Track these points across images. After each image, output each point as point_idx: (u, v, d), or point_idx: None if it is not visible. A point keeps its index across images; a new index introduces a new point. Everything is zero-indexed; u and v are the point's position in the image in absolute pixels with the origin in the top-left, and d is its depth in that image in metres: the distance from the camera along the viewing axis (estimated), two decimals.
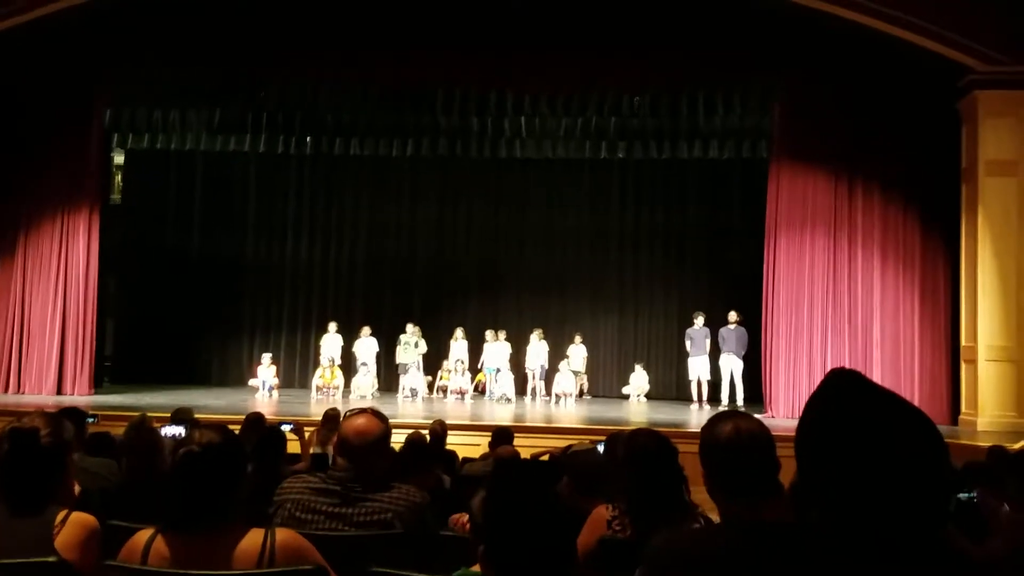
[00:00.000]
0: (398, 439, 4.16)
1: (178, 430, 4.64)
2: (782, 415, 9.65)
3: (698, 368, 11.21)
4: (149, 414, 3.96)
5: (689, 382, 11.40)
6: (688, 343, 11.37)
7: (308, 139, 10.54)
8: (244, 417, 5.43)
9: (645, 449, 2.26)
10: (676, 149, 10.38)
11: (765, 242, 10.14)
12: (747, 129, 10.08)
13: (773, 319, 9.96)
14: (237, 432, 4.96)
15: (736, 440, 1.70)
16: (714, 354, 11.18)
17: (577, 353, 12.40)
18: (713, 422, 1.76)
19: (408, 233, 13.72)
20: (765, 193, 10.18)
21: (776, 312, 9.95)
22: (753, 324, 10.60)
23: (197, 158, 12.73)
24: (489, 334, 12.23)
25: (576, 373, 12.05)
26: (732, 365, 10.89)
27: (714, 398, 11.16)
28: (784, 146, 9.88)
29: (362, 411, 2.29)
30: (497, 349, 12.12)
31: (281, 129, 10.45)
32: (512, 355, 12.24)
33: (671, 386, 12.97)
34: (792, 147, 9.84)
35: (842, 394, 0.98)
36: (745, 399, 10.77)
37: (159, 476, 2.65)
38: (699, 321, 11.34)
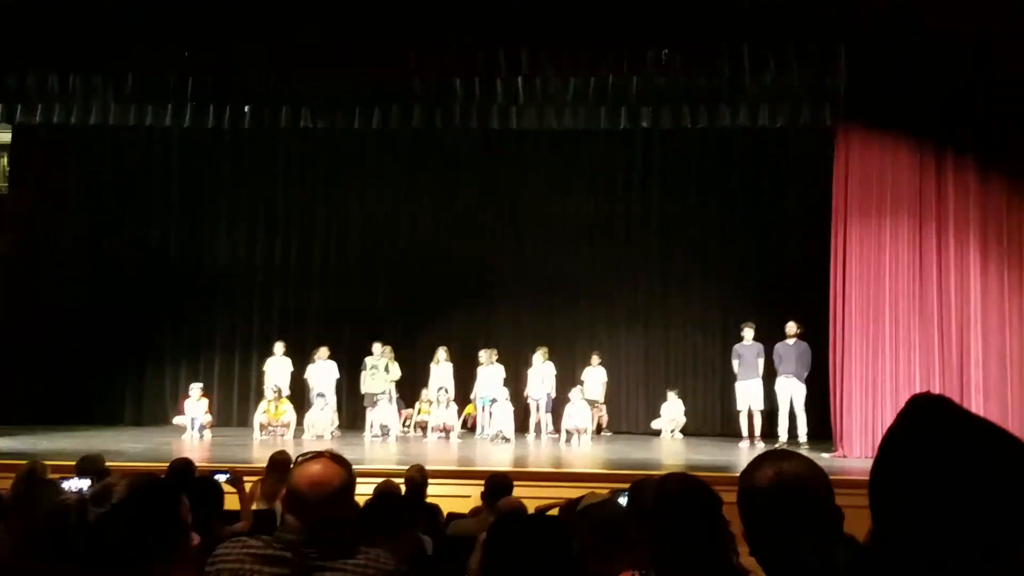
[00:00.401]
0: (365, 490, 4.17)
1: (84, 484, 4.64)
2: (857, 454, 9.67)
3: (748, 394, 11.23)
4: (44, 463, 3.97)
5: (737, 413, 11.43)
6: (736, 363, 11.40)
7: (247, 109, 10.55)
8: (168, 465, 5.44)
9: (680, 499, 2.25)
10: (716, 116, 10.38)
11: (832, 233, 10.17)
12: (806, 89, 10.10)
13: (844, 331, 9.99)
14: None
15: (779, 487, 1.71)
16: (769, 376, 11.21)
17: (593, 378, 12.43)
18: (752, 466, 1.78)
19: (374, 227, 13.78)
20: (830, 171, 10.22)
21: (848, 322, 9.98)
22: (818, 338, 10.64)
23: (103, 135, 12.73)
24: (482, 355, 12.25)
25: (592, 403, 12.08)
26: (792, 390, 10.92)
27: (770, 433, 11.19)
28: (855, 110, 9.92)
29: (318, 455, 2.29)
30: (491, 374, 12.13)
31: (212, 97, 10.46)
32: (510, 381, 12.26)
33: (714, 418, 13.02)
34: (865, 111, 9.89)
35: (927, 424, 0.98)
36: (809, 434, 10.81)
37: (59, 545, 2.64)
38: (749, 334, 11.36)
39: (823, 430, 10.50)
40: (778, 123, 10.26)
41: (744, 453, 10.53)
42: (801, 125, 10.36)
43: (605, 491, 4.50)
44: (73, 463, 5.66)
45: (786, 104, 10.15)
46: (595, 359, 12.55)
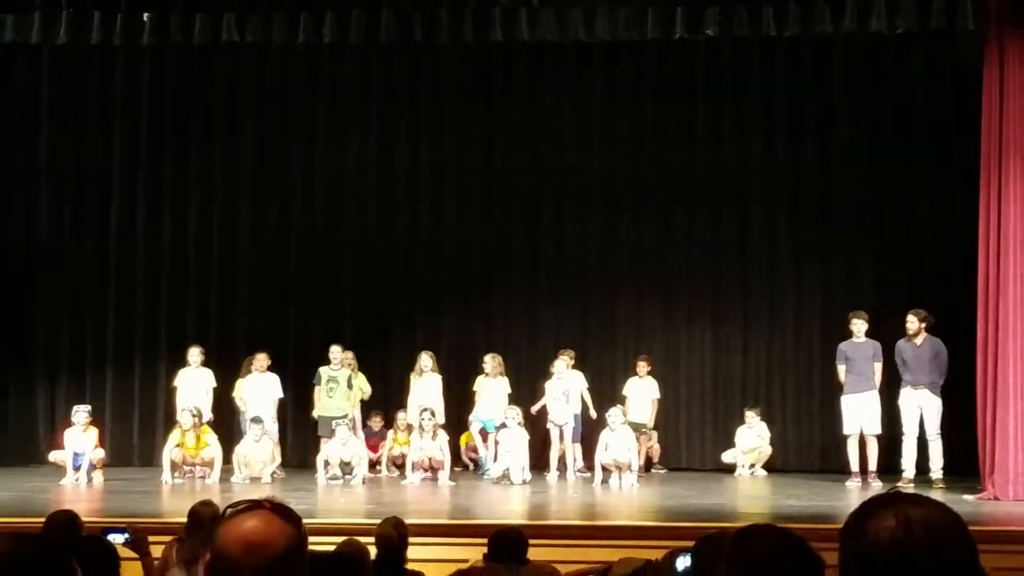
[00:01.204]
0: (318, 554, 4.19)
1: None
2: (1012, 496, 9.67)
3: (860, 413, 11.22)
4: None
5: (845, 439, 11.42)
6: (842, 368, 11.39)
7: (146, 17, 10.54)
8: (44, 520, 5.45)
9: (765, 562, 2.26)
10: (810, 18, 10.35)
11: (980, 185, 10.13)
12: None
13: (999, 325, 9.95)
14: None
15: (905, 543, 1.71)
16: (889, 387, 11.22)
17: (641, 393, 12.46)
18: (862, 515, 1.78)
19: (328, 186, 13.80)
20: (974, 96, 10.16)
21: (1005, 312, 9.93)
22: (959, 334, 10.63)
23: None
24: (488, 362, 12.25)
25: (638, 428, 12.10)
26: (923, 405, 10.93)
27: (889, 467, 11.18)
28: (1010, 10, 9.87)
29: (254, 506, 2.29)
30: (496, 388, 12.15)
31: (97, 2, 10.45)
32: (523, 398, 12.29)
33: (811, 448, 13.03)
34: None
35: None
36: (946, 468, 10.81)
37: None
38: (860, 328, 11.34)
39: (965, 463, 10.50)
40: (898, 29, 10.22)
41: (854, 495, 10.51)
42: (932, 32, 10.32)
43: (656, 554, 4.51)
44: None
45: (910, 3, 10.11)
46: (642, 367, 12.56)
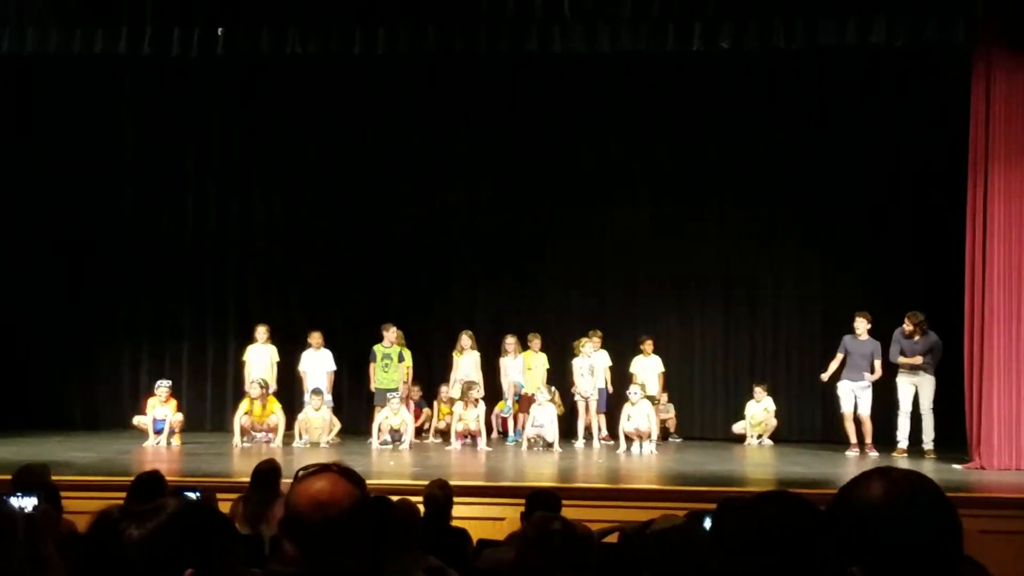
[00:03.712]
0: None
1: (28, 503, 4.77)
2: (997, 465, 9.71)
3: (855, 397, 11.30)
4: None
5: (842, 415, 11.45)
6: (839, 357, 11.44)
7: (219, 32, 10.61)
8: (133, 478, 5.56)
9: (779, 525, 2.20)
10: (815, 32, 10.29)
11: (969, 186, 10.12)
12: None
13: (984, 310, 9.98)
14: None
15: (894, 500, 1.74)
16: (886, 370, 11.24)
17: (648, 370, 12.54)
18: (852, 484, 1.80)
19: (378, 182, 13.86)
20: (964, 104, 10.13)
21: (989, 298, 9.97)
22: (951, 318, 10.63)
23: (43, 66, 12.88)
24: (517, 341, 12.34)
25: (655, 401, 12.14)
26: (918, 382, 10.99)
27: (885, 439, 11.21)
28: (997, 24, 9.82)
29: (323, 469, 2.31)
30: (530, 364, 12.24)
31: (177, 19, 10.53)
32: (554, 374, 12.36)
33: (813, 421, 13.07)
34: (1012, 25, 9.78)
35: None
36: (937, 440, 10.84)
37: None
38: (861, 326, 11.35)
39: (954, 436, 10.53)
40: (897, 42, 10.17)
41: (852, 464, 10.56)
42: (926, 45, 10.27)
43: (679, 514, 4.55)
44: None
45: (905, 18, 10.05)
46: (648, 346, 12.63)
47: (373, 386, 12.18)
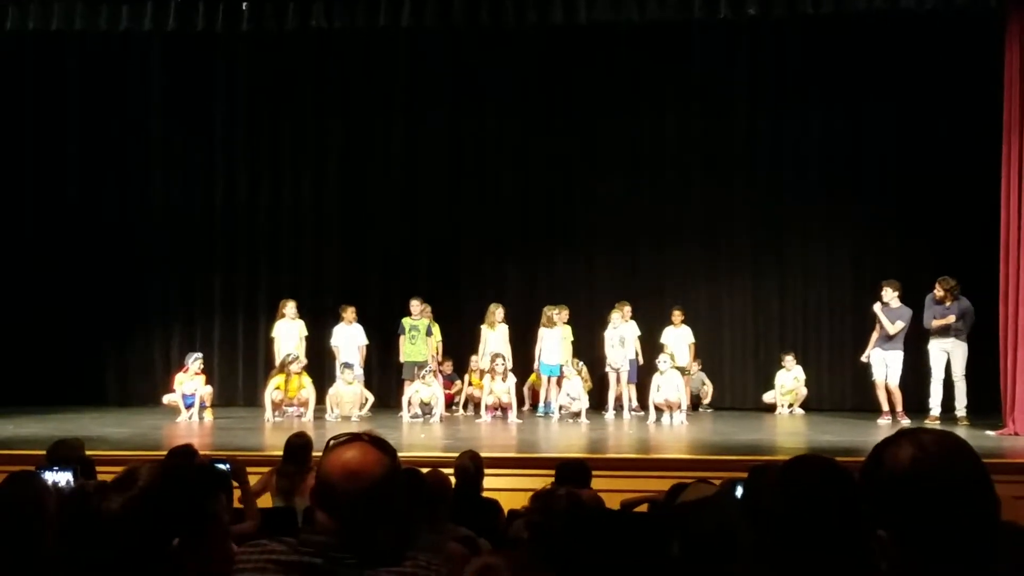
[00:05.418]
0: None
1: (62, 477, 4.80)
2: None
3: (886, 366, 11.18)
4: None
5: (874, 383, 11.36)
6: (879, 327, 11.28)
7: (244, 6, 10.60)
8: (167, 452, 5.59)
9: (812, 492, 2.17)
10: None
11: (1004, 149, 10.01)
12: None
13: (1020, 274, 9.89)
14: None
15: (923, 462, 1.72)
16: (917, 337, 11.11)
17: (679, 340, 12.50)
18: (881, 447, 1.80)
19: (406, 155, 13.85)
20: (997, 67, 10.02)
21: None
22: (981, 283, 10.55)
23: (68, 44, 12.93)
24: (549, 312, 12.26)
25: (686, 372, 12.09)
26: (950, 349, 10.87)
27: (918, 406, 11.13)
28: None
29: (354, 438, 2.30)
30: (558, 337, 12.22)
31: None
32: (583, 346, 12.35)
33: (844, 389, 12.99)
34: None
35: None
36: (970, 407, 10.76)
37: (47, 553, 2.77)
38: (890, 296, 11.20)
39: (988, 402, 10.45)
40: (926, 6, 10.06)
41: (883, 431, 10.43)
42: (957, 8, 10.18)
43: (710, 483, 4.53)
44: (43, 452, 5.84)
45: None
46: (677, 316, 12.60)
47: (401, 358, 12.20)
